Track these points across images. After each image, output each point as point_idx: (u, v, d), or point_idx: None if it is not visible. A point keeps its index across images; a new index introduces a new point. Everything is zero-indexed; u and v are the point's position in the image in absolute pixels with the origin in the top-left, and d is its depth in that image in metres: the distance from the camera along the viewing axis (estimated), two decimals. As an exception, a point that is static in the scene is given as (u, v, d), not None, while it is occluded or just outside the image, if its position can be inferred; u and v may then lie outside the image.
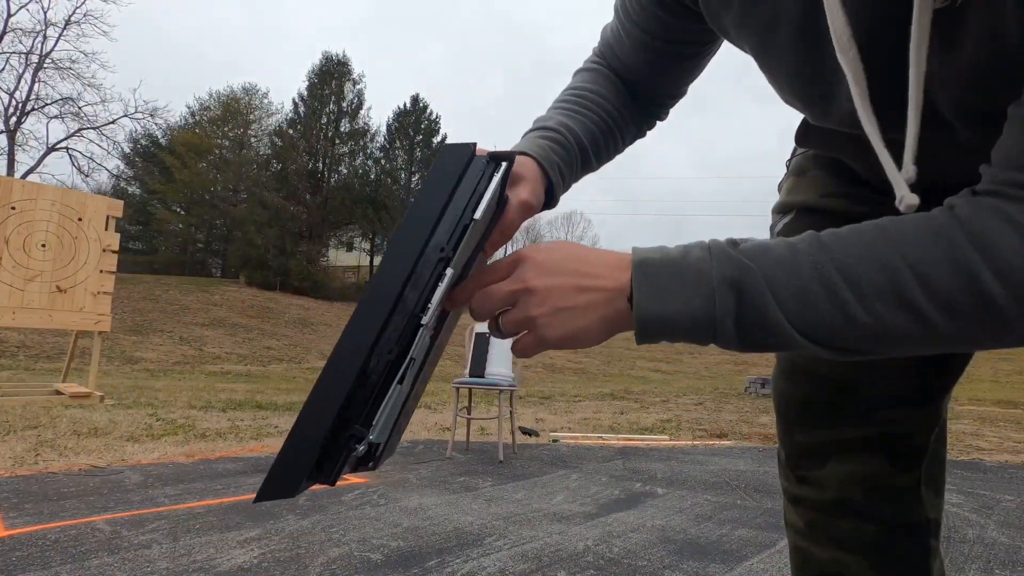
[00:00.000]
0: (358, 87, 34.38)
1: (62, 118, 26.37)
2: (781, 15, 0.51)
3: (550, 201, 0.66)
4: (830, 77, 0.51)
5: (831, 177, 0.70)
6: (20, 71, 25.44)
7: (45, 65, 25.59)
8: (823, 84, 0.52)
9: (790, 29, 0.51)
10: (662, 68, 0.71)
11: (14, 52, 24.85)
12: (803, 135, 0.67)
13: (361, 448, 0.44)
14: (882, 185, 0.64)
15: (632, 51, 0.70)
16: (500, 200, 0.56)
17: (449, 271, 0.47)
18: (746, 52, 0.59)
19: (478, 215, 0.49)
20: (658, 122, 0.80)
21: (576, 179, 0.71)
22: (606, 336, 0.47)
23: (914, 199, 0.46)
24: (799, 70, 0.53)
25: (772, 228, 0.77)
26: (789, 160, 0.78)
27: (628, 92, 0.74)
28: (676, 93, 0.77)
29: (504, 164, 0.53)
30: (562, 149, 0.67)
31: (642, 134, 0.79)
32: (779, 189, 0.78)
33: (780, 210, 0.76)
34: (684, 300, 0.43)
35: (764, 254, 0.44)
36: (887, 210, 0.64)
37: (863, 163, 0.63)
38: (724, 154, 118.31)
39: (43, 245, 5.68)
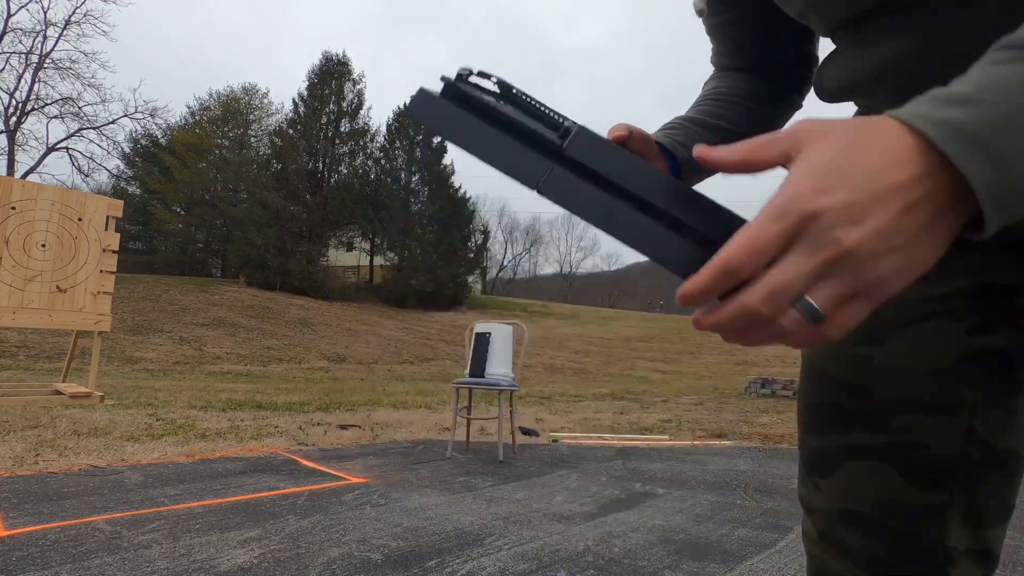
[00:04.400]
0: (358, 87, 34.35)
1: (62, 118, 26.41)
2: None
3: (675, 158, 0.70)
4: None
5: None
6: (20, 71, 25.49)
7: (45, 65, 25.62)
8: None
9: None
10: (761, 32, 0.77)
11: (14, 52, 24.88)
12: (820, 86, 0.66)
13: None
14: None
15: (732, 40, 0.78)
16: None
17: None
18: None
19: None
20: (808, 90, 0.83)
21: (710, 138, 0.74)
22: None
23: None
24: None
25: None
26: None
27: (748, 73, 0.80)
28: (798, 56, 0.79)
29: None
30: (668, 128, 0.74)
31: (793, 103, 0.82)
32: None
33: None
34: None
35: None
36: None
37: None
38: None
39: (43, 245, 5.67)
